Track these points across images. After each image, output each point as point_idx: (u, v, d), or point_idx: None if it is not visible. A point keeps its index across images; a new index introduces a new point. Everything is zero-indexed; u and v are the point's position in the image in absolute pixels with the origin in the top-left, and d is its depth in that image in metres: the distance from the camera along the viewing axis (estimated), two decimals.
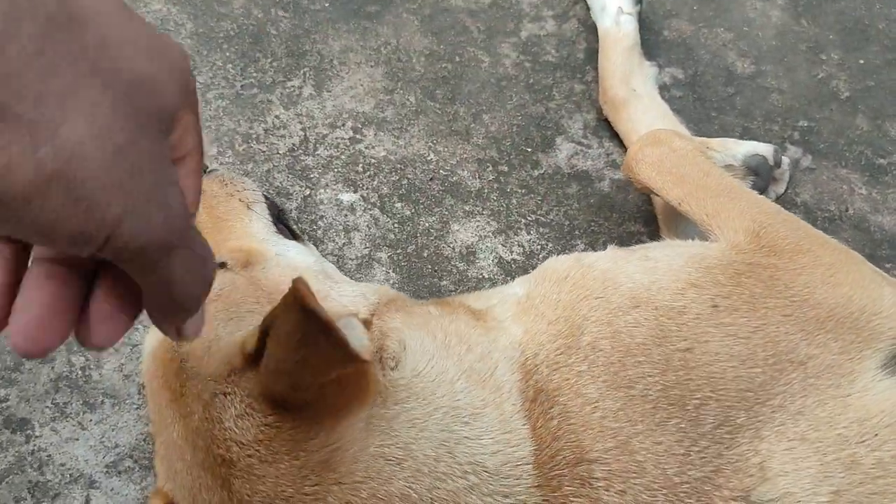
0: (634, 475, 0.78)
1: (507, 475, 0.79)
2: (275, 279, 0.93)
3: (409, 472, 0.77)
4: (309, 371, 0.69)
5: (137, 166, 0.37)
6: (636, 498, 0.78)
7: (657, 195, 1.07)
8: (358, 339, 0.70)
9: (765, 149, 1.14)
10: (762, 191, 1.16)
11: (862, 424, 0.80)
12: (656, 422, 0.79)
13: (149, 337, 0.97)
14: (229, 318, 0.86)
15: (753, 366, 0.81)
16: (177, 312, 0.46)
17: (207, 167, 1.15)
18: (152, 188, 0.38)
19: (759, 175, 1.12)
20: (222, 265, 0.93)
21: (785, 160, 1.18)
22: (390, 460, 0.77)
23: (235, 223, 1.04)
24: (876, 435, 0.79)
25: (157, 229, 0.39)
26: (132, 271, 0.40)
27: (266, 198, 1.11)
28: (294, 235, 1.11)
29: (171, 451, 0.84)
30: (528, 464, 0.79)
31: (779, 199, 1.22)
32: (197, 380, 0.82)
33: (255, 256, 0.97)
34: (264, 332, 0.73)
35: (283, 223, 1.10)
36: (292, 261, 1.00)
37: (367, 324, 0.87)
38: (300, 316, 0.64)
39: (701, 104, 1.41)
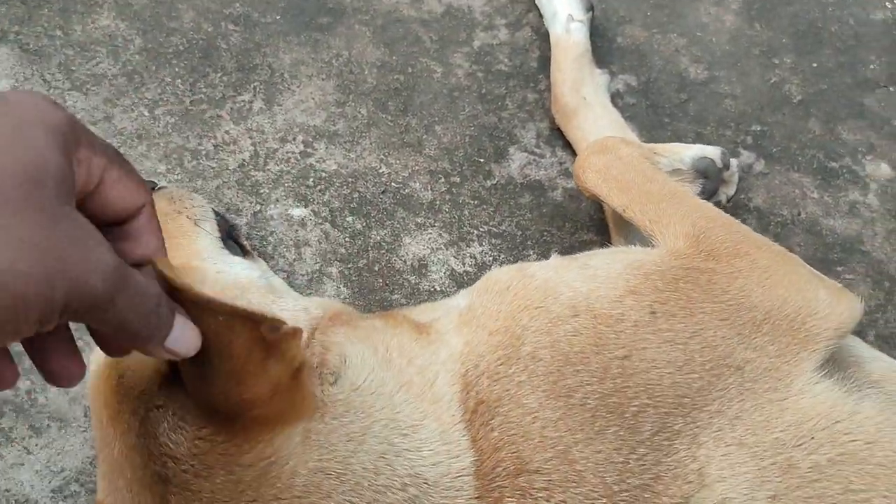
0: (574, 485, 0.77)
1: (447, 486, 0.78)
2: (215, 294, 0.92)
3: (348, 485, 0.76)
4: (217, 362, 0.67)
5: (55, 246, 0.46)
6: None
7: (604, 202, 1.07)
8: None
9: (712, 151, 1.14)
10: (712, 193, 1.15)
11: (798, 428, 0.80)
12: (595, 430, 0.79)
13: (93, 356, 0.96)
14: None
15: (691, 371, 0.81)
16: (141, 342, 0.55)
17: (156, 184, 1.14)
18: (80, 257, 0.47)
19: (708, 177, 1.12)
20: None
21: (734, 162, 1.18)
22: (329, 475, 0.76)
23: (182, 240, 1.03)
24: (812, 438, 0.79)
25: (98, 289, 0.48)
26: (90, 323, 0.50)
27: (217, 213, 1.11)
28: (244, 251, 1.11)
29: (112, 468, 0.82)
30: (468, 475, 0.79)
31: (730, 203, 1.22)
32: (132, 396, 0.81)
33: (193, 273, 0.96)
34: None
35: (233, 239, 1.10)
36: (236, 276, 0.99)
37: (308, 338, 0.86)
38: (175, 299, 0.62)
39: (654, 111, 1.41)
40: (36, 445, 1.08)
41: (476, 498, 0.78)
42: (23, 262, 0.44)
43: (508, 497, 0.78)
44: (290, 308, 0.92)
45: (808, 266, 0.94)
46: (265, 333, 0.70)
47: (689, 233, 0.92)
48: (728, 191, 1.19)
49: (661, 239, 0.94)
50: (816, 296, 0.87)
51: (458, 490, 0.78)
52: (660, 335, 0.83)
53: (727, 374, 0.82)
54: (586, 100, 1.32)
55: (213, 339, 0.66)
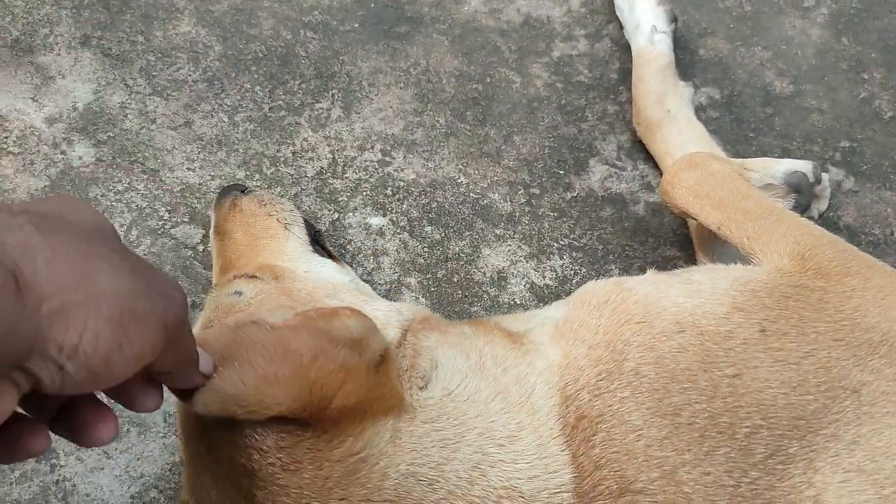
0: None
1: (544, 502, 0.75)
2: (307, 291, 0.93)
3: (441, 493, 0.74)
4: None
5: (148, 275, 0.52)
6: None
7: (695, 219, 1.04)
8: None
9: (804, 165, 1.10)
10: (805, 209, 1.12)
11: None
12: (704, 451, 0.76)
13: None
14: None
15: (805, 392, 0.78)
16: (193, 367, 0.60)
17: (246, 186, 1.14)
18: (163, 282, 0.53)
19: (801, 192, 1.08)
20: (252, 277, 0.94)
21: (825, 176, 1.14)
22: (421, 480, 0.74)
23: (270, 242, 1.04)
24: None
25: (182, 307, 0.54)
26: (167, 355, 0.53)
27: (304, 220, 1.11)
28: (331, 256, 1.10)
29: (197, 463, 0.82)
30: (567, 492, 0.76)
31: (821, 220, 1.18)
32: None
33: (284, 272, 0.96)
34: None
35: (319, 244, 1.10)
36: (326, 277, 0.99)
37: (400, 339, 0.86)
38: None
39: (738, 125, 1.38)
40: (115, 450, 1.07)
41: None
42: (138, 283, 0.49)
43: None
44: (383, 309, 0.92)
45: None
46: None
47: (794, 251, 0.89)
48: (820, 206, 1.15)
49: (764, 257, 0.91)
50: None
51: None
52: (771, 354, 0.80)
53: (843, 397, 0.78)
54: (670, 112, 1.29)
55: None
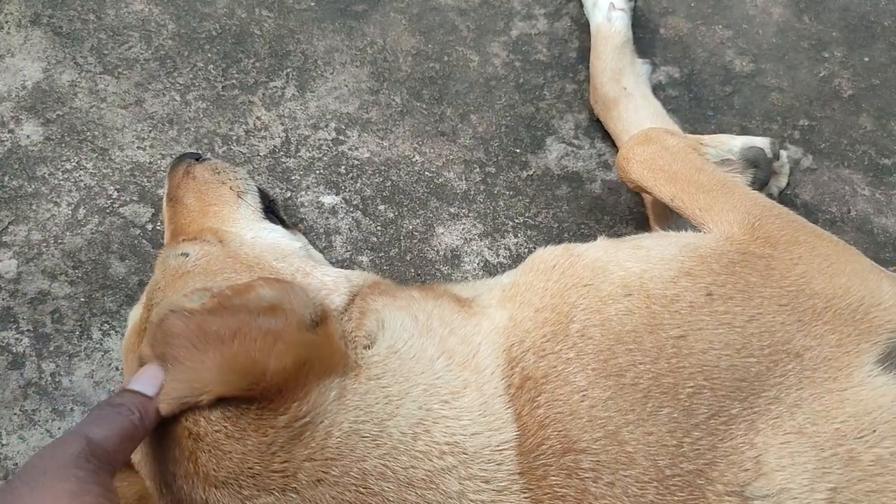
0: (624, 467, 0.74)
1: (487, 459, 0.75)
2: (255, 255, 0.93)
3: (384, 449, 0.74)
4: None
5: None
6: (625, 490, 0.73)
7: (649, 193, 1.03)
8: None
9: (762, 141, 1.09)
10: (763, 184, 1.11)
11: (860, 420, 0.75)
12: (647, 411, 0.75)
13: (132, 312, 0.96)
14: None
15: (748, 355, 0.77)
16: None
17: (201, 155, 1.13)
18: None
19: (759, 167, 1.07)
20: (199, 240, 0.95)
21: (783, 153, 1.13)
22: (365, 437, 0.74)
23: (222, 209, 1.04)
24: (874, 431, 0.74)
25: None
26: None
27: (259, 189, 1.11)
28: (284, 224, 1.10)
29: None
30: (510, 449, 0.76)
31: (779, 198, 1.17)
32: None
33: (229, 236, 0.96)
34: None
35: (273, 213, 1.09)
36: (275, 242, 0.99)
37: (347, 305, 0.87)
38: None
39: (697, 103, 1.37)
40: (59, 429, 1.05)
41: (518, 473, 0.75)
42: None
43: (553, 475, 0.74)
44: (332, 275, 0.92)
45: (867, 258, 0.89)
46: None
47: (743, 220, 0.89)
48: (780, 183, 1.14)
49: (714, 226, 0.90)
50: (880, 286, 0.82)
51: (499, 463, 0.75)
52: (717, 317, 0.79)
53: (786, 361, 0.77)
54: (627, 90, 1.28)
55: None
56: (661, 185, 1.00)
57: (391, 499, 0.75)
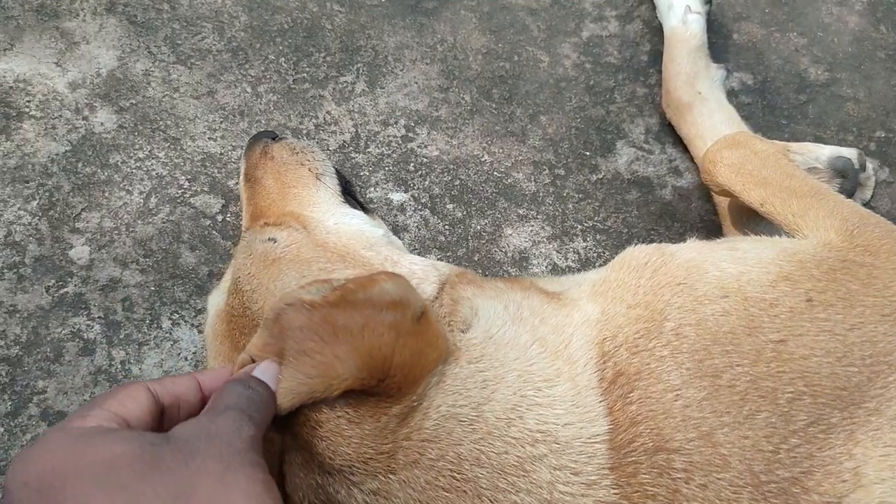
0: (717, 469, 0.73)
1: (578, 451, 0.75)
2: (342, 244, 0.93)
3: (479, 434, 0.74)
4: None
5: None
6: (718, 494, 0.72)
7: (736, 197, 1.01)
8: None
9: (849, 152, 1.07)
10: (850, 195, 1.09)
11: None
12: (744, 414, 0.74)
13: (212, 297, 0.96)
14: (302, 277, 0.85)
15: (850, 364, 0.76)
16: None
17: (277, 134, 1.12)
18: None
19: (846, 178, 1.05)
20: (284, 226, 0.95)
21: (870, 165, 1.11)
22: (462, 421, 0.74)
23: (302, 191, 1.03)
24: None
25: None
26: None
27: (336, 171, 1.10)
28: (363, 209, 1.09)
29: None
30: (601, 443, 0.75)
31: None
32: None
33: (312, 222, 0.96)
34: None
35: (351, 196, 1.08)
36: (359, 229, 0.99)
37: (437, 294, 0.87)
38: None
39: (771, 111, 1.35)
40: None
41: (609, 468, 0.74)
42: None
43: (644, 473, 0.74)
44: (420, 263, 0.92)
45: None
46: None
47: (841, 227, 0.87)
48: (864, 195, 1.12)
49: (810, 232, 0.89)
50: None
51: (590, 456, 0.75)
52: (817, 324, 0.78)
53: (887, 373, 0.76)
54: (701, 94, 1.26)
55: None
56: (750, 190, 0.99)
57: (484, 486, 0.75)
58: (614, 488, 0.75)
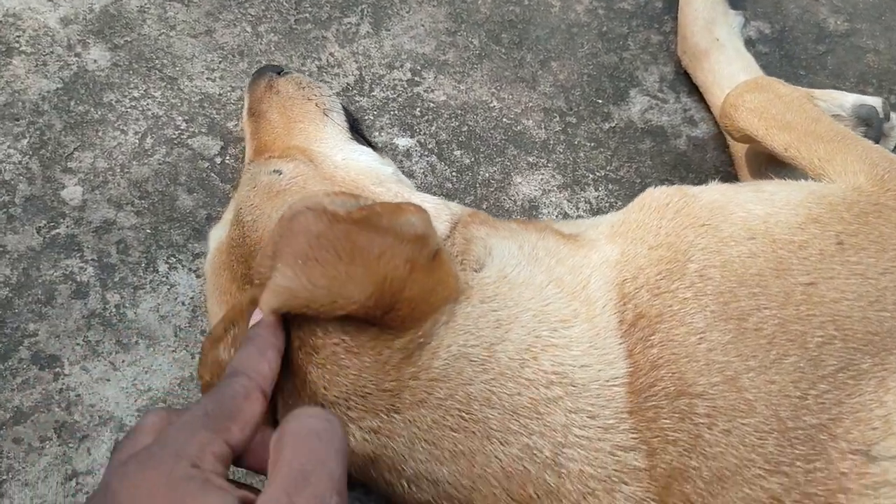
0: (742, 415, 0.70)
1: (596, 393, 0.72)
2: (351, 178, 0.90)
3: (491, 374, 0.72)
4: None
5: None
6: (742, 440, 0.69)
7: (758, 143, 0.98)
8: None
9: (874, 100, 1.04)
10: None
11: None
12: (771, 359, 0.71)
13: (214, 231, 0.93)
14: None
15: (882, 309, 0.73)
16: None
17: (282, 68, 1.08)
18: None
19: (871, 126, 1.02)
20: (289, 158, 0.92)
21: (893, 115, 1.07)
22: (473, 360, 0.72)
23: (308, 126, 1.00)
24: None
25: None
26: None
27: (343, 107, 1.07)
28: (371, 146, 1.06)
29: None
30: (620, 386, 0.72)
31: None
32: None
33: (319, 157, 0.93)
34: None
35: (358, 133, 1.05)
36: (369, 165, 0.96)
37: (450, 230, 0.85)
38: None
39: (788, 62, 1.30)
40: (123, 362, 1.02)
41: (627, 412, 0.71)
42: None
43: (665, 418, 0.70)
44: (431, 201, 0.89)
45: None
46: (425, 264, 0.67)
47: (871, 171, 0.83)
48: (887, 146, 1.09)
49: (838, 177, 0.86)
50: None
51: (607, 399, 0.72)
52: (848, 267, 0.74)
53: None
54: (719, 41, 1.22)
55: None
56: (773, 134, 0.95)
57: (494, 427, 0.72)
58: (633, 433, 0.72)
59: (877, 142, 1.04)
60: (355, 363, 0.69)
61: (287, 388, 0.73)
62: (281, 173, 0.88)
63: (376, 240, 0.65)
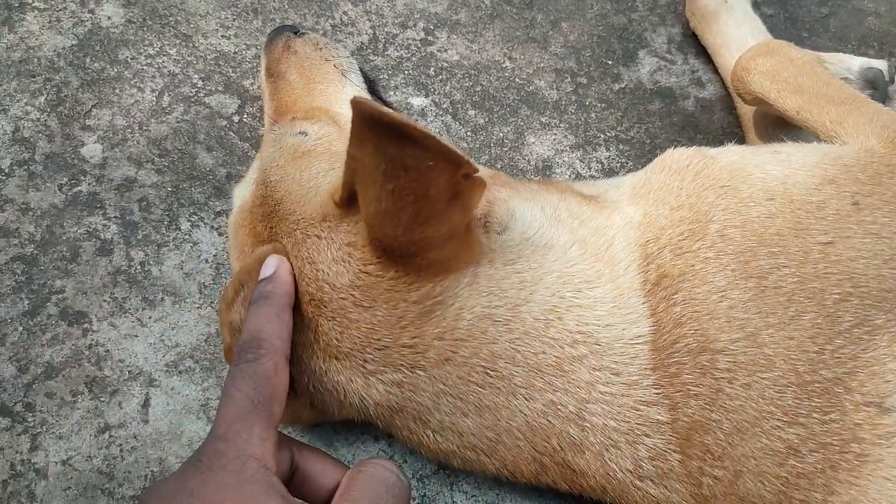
0: (762, 369, 0.74)
1: (620, 352, 0.76)
2: None
3: (516, 334, 0.75)
4: (409, 198, 0.66)
5: None
6: (762, 393, 0.73)
7: (770, 105, 1.00)
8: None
9: (880, 63, 1.07)
10: None
11: None
12: (790, 315, 0.74)
13: (237, 189, 0.95)
14: (331, 169, 0.83)
15: (895, 267, 0.76)
16: None
17: (298, 29, 1.09)
18: None
19: (877, 89, 1.05)
20: (314, 120, 0.93)
21: None
22: (497, 321, 0.75)
23: (328, 87, 1.01)
24: None
25: None
26: None
27: (360, 69, 1.07)
28: (388, 108, 1.07)
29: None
30: (643, 344, 0.76)
31: None
32: (289, 221, 0.80)
33: (342, 118, 0.94)
34: (349, 180, 0.71)
35: (376, 95, 1.06)
36: None
37: None
38: (374, 133, 0.61)
39: (792, 24, 1.33)
40: (149, 318, 1.04)
41: (651, 369, 0.75)
42: None
43: (687, 374, 0.74)
44: None
45: None
46: (461, 179, 0.68)
47: (882, 133, 0.87)
48: (891, 108, 1.12)
49: (850, 139, 0.89)
50: None
51: (631, 357, 0.76)
52: (864, 226, 0.78)
53: None
54: (728, 3, 1.24)
55: (415, 178, 0.65)
56: (785, 97, 0.98)
57: (519, 383, 0.76)
58: (656, 388, 0.76)
59: (883, 104, 1.08)
60: (366, 317, 0.73)
61: (301, 341, 0.76)
62: (306, 135, 0.89)
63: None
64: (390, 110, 0.62)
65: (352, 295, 0.73)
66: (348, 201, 0.74)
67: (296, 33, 1.07)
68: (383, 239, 0.71)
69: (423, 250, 0.71)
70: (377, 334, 0.74)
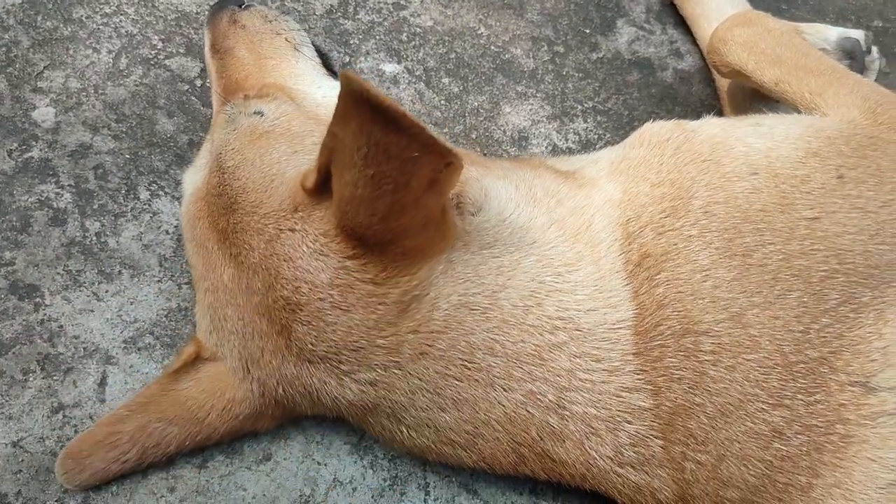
0: (747, 350, 0.72)
1: (601, 337, 0.73)
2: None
3: (494, 322, 0.72)
4: (388, 187, 0.62)
5: None
6: (746, 375, 0.71)
7: (747, 77, 0.98)
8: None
9: (857, 33, 1.05)
10: None
11: None
12: (775, 294, 0.72)
13: (188, 176, 0.89)
14: (294, 152, 0.78)
15: (881, 242, 0.75)
16: None
17: (244, 1, 1.03)
18: None
19: (854, 59, 1.03)
20: (268, 97, 0.88)
21: (874, 48, 1.08)
22: (475, 310, 0.72)
23: (281, 62, 0.96)
24: None
25: None
26: None
27: (311, 42, 1.02)
28: None
29: (218, 296, 0.78)
30: (626, 328, 0.73)
31: None
32: (257, 215, 0.74)
33: (298, 95, 0.89)
34: (325, 160, 0.66)
35: (331, 70, 1.01)
36: None
37: None
38: (360, 112, 0.57)
39: None
40: (106, 292, 0.98)
41: (633, 353, 0.73)
42: None
43: (671, 357, 0.72)
44: None
45: None
46: (443, 167, 0.65)
47: (863, 105, 0.84)
48: (869, 78, 1.10)
49: (830, 110, 0.86)
50: None
51: (613, 342, 0.73)
52: (849, 200, 0.76)
53: None
54: None
55: (398, 167, 0.61)
56: (763, 68, 0.95)
57: (498, 374, 0.73)
58: (638, 374, 0.73)
59: (860, 74, 1.06)
60: (343, 319, 0.69)
61: (269, 346, 0.74)
62: (263, 114, 0.84)
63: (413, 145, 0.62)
64: (381, 92, 0.58)
65: (330, 295, 0.69)
66: (321, 187, 0.70)
67: (240, 6, 1.01)
68: (356, 227, 0.67)
69: (398, 238, 0.68)
70: (353, 336, 0.71)
